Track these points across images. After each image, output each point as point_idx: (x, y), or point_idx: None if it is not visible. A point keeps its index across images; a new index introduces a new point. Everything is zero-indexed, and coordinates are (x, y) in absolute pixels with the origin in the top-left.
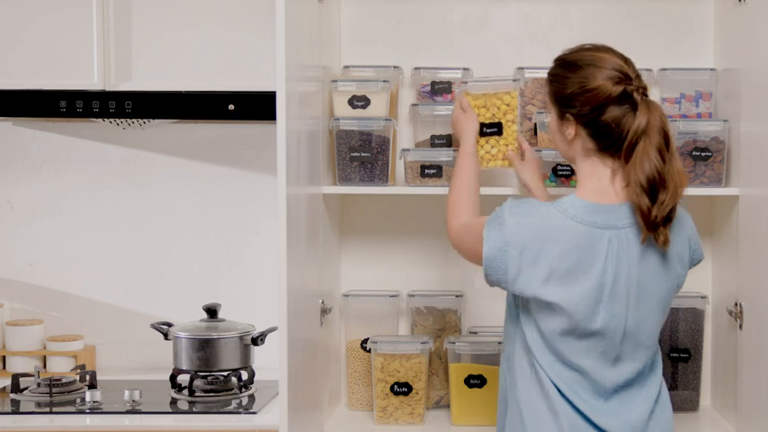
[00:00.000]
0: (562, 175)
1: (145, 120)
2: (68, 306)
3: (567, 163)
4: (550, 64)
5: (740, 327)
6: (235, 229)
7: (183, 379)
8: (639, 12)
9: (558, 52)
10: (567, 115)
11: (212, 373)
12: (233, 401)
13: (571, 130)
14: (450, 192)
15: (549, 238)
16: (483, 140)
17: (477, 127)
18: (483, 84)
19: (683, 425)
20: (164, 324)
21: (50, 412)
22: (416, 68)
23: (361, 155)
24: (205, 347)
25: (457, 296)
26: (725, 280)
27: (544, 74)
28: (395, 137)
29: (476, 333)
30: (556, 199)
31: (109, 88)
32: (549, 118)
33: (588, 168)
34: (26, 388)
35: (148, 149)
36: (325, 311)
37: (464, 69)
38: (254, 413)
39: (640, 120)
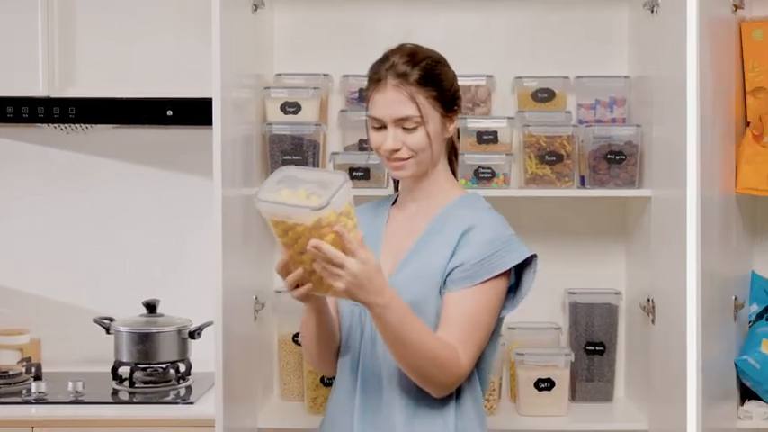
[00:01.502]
0: (483, 177)
1: (87, 125)
2: (16, 302)
3: (489, 165)
4: (472, 71)
5: (652, 321)
6: (173, 229)
7: (124, 371)
8: (557, 22)
9: (482, 61)
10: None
11: (151, 365)
12: (171, 392)
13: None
14: (413, 355)
15: None
16: None
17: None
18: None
19: (599, 415)
20: (106, 319)
21: None
22: (345, 76)
23: (293, 158)
24: (145, 341)
25: None
26: (638, 277)
27: (466, 81)
28: (325, 141)
29: None
30: None
31: (53, 95)
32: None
33: None
34: None
35: (91, 153)
36: (258, 307)
37: None
38: (191, 403)
39: None
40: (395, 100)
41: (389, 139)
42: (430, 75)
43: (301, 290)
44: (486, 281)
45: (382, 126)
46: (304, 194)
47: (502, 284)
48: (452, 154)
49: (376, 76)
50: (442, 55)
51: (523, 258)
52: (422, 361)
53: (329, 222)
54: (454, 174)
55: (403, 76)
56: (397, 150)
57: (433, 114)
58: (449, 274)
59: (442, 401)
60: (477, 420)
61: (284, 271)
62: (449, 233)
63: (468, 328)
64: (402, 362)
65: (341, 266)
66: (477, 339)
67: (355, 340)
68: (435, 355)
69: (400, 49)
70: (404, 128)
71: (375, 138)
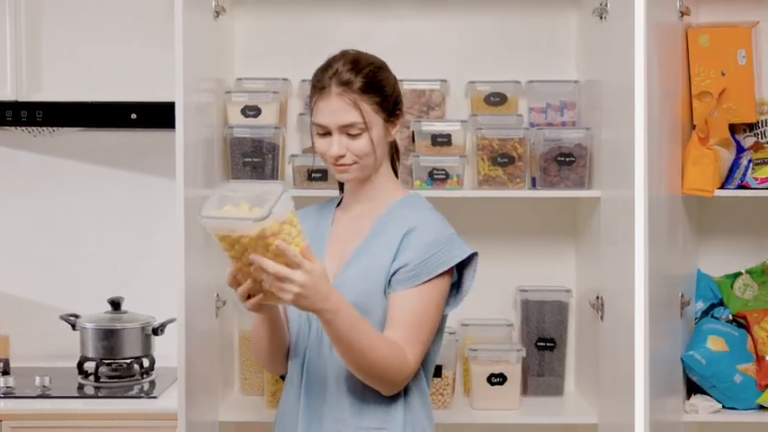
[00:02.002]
0: (437, 178)
1: (54, 128)
2: None
3: (443, 167)
4: (427, 76)
5: (601, 318)
6: (138, 229)
7: (90, 366)
8: (509, 28)
9: (437, 66)
10: None
11: (116, 360)
12: (135, 387)
13: None
14: (363, 358)
15: None
16: None
17: None
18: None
19: (549, 408)
20: (72, 316)
21: None
22: (304, 81)
23: (253, 160)
24: (109, 337)
25: None
26: (587, 275)
27: (421, 85)
28: (284, 143)
29: None
30: None
31: (21, 99)
32: None
33: None
34: None
35: (58, 155)
36: (219, 304)
37: None
38: (154, 397)
39: None
40: (339, 108)
41: (334, 146)
42: (373, 82)
43: (252, 301)
44: (429, 280)
45: (327, 132)
46: (246, 207)
47: (444, 283)
48: (395, 155)
49: (320, 84)
50: (383, 61)
51: (465, 257)
52: (371, 363)
53: (273, 232)
54: (396, 174)
55: (346, 84)
56: (342, 156)
57: (376, 120)
58: (393, 274)
59: (391, 397)
60: (424, 414)
61: (234, 283)
62: (391, 234)
63: (414, 327)
64: (351, 364)
65: (286, 280)
66: (424, 337)
67: (303, 341)
68: (384, 356)
69: (343, 56)
70: (348, 134)
71: (320, 144)
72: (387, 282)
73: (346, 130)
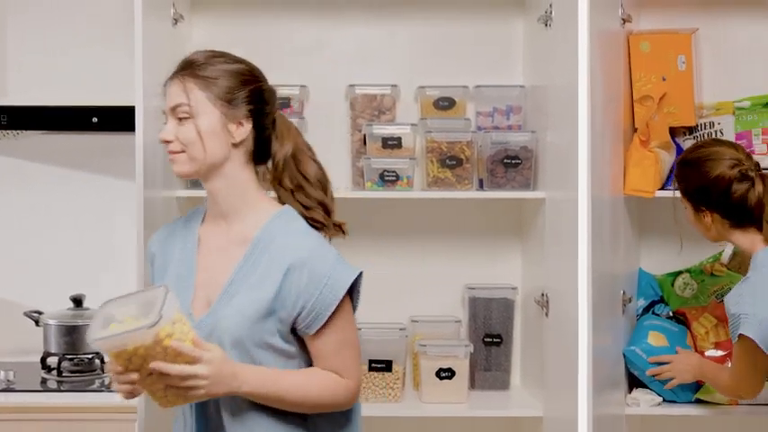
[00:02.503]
0: (388, 180)
1: (18, 131)
2: None
3: (393, 169)
4: (379, 81)
5: (546, 315)
6: (98, 229)
7: (53, 361)
8: (458, 35)
9: (388, 71)
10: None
11: (78, 355)
12: (96, 381)
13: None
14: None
15: None
16: None
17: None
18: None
19: (496, 402)
20: (35, 312)
21: None
22: None
23: None
24: (72, 333)
25: None
26: (533, 273)
27: (372, 90)
28: None
29: None
30: None
31: None
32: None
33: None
34: None
35: (22, 158)
36: None
37: (301, 86)
38: (114, 391)
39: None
40: (173, 91)
41: (164, 130)
42: (213, 70)
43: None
44: (333, 312)
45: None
46: (132, 320)
47: (346, 304)
48: (263, 164)
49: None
50: (252, 65)
51: (352, 280)
52: (313, 403)
53: (168, 333)
54: (282, 186)
55: (184, 68)
56: (169, 142)
57: (209, 110)
58: (296, 318)
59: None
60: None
61: (131, 396)
62: (270, 267)
63: (341, 354)
64: (299, 410)
65: (192, 378)
66: (354, 355)
67: None
68: (322, 392)
69: (206, 50)
70: (178, 119)
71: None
72: (268, 317)
73: (176, 113)
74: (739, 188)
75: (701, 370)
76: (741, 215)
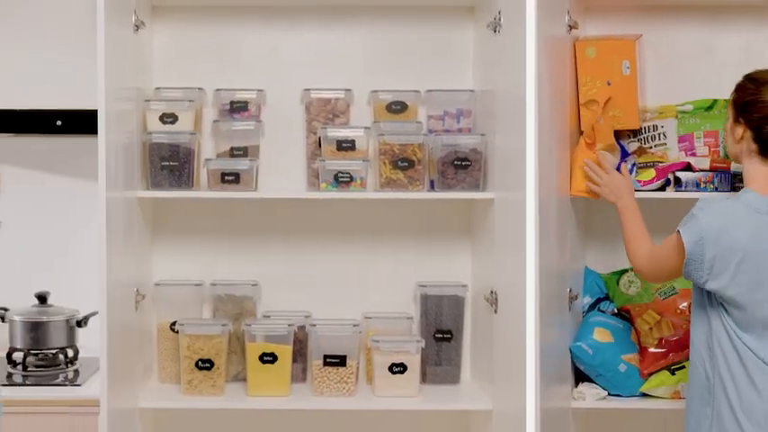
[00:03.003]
0: (342, 181)
1: None
2: None
3: (347, 170)
4: (333, 85)
5: (495, 311)
6: (63, 229)
7: (18, 356)
8: (410, 41)
9: (341, 76)
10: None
11: (42, 351)
12: (60, 375)
13: (740, 131)
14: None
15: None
16: None
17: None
18: None
19: (447, 395)
20: (1, 309)
21: None
22: (218, 90)
23: (170, 164)
24: (36, 329)
25: (253, 285)
26: (482, 271)
27: (327, 94)
28: (199, 148)
29: (269, 317)
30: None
31: None
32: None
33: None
34: None
35: None
36: (139, 298)
37: (258, 90)
38: (78, 385)
39: None
40: None
41: None
42: None
43: None
44: None
45: None
46: None
47: None
48: None
49: None
50: None
51: None
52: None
53: None
54: None
55: None
56: None
57: None
58: None
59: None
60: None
61: None
62: None
63: None
64: None
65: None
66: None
67: None
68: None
69: None
70: None
71: None
72: None
73: None
74: None
75: (621, 202)
76: (766, 146)
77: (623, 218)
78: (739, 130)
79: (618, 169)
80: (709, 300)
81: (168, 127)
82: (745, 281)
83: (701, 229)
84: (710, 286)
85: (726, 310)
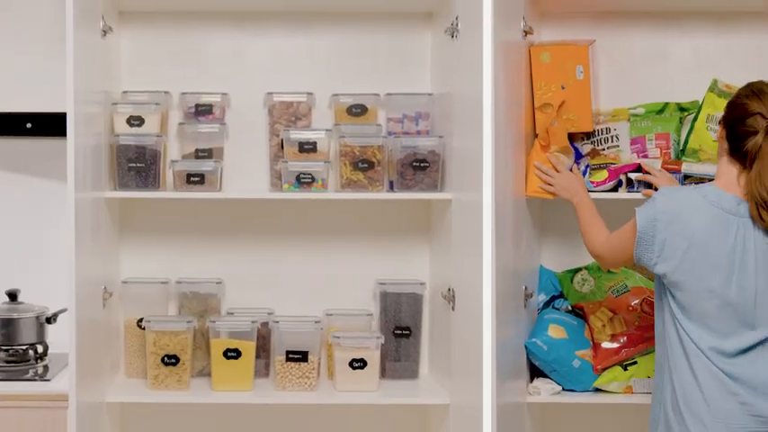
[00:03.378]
0: (304, 182)
1: None
2: None
3: (309, 171)
4: (295, 89)
5: (452, 308)
6: (33, 228)
7: None
8: (370, 46)
9: (303, 80)
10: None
11: (13, 346)
12: (30, 370)
13: (720, 130)
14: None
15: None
16: None
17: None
18: None
19: (406, 390)
20: None
21: None
22: (183, 93)
23: (137, 165)
24: (7, 325)
25: (217, 283)
26: (440, 269)
27: (289, 98)
28: (165, 150)
29: (232, 314)
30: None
31: None
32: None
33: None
34: None
35: None
36: (107, 296)
37: (223, 94)
38: (48, 380)
39: (758, 141)
40: None
41: None
42: None
43: None
44: None
45: None
46: None
47: None
48: None
49: None
50: None
51: None
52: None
53: None
54: None
55: None
56: None
57: None
58: None
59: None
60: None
61: None
62: None
63: None
64: None
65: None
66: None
67: None
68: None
69: None
70: None
71: None
72: None
73: None
74: (750, 125)
75: (576, 198)
76: (736, 146)
77: (579, 212)
78: (720, 130)
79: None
80: (663, 289)
81: (135, 129)
82: (692, 269)
83: (656, 211)
84: (659, 269)
85: (673, 297)
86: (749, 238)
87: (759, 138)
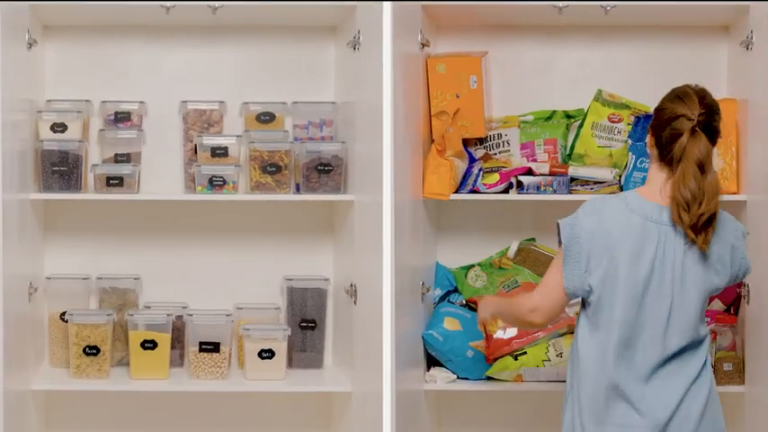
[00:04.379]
0: (216, 184)
1: None
2: None
3: (221, 175)
4: (208, 98)
5: (354, 303)
6: None
7: None
8: (277, 57)
9: (215, 89)
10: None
11: None
12: None
13: (648, 138)
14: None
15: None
16: None
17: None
18: None
19: (311, 379)
20: None
21: None
22: (104, 102)
23: (61, 169)
24: None
25: (135, 279)
26: (343, 266)
27: (202, 106)
28: (87, 155)
29: (149, 307)
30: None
31: None
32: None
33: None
34: None
35: None
36: (32, 291)
37: (140, 102)
38: None
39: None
40: None
41: None
42: None
43: None
44: None
45: None
46: None
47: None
48: None
49: None
50: None
51: None
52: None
53: None
54: None
55: None
56: None
57: None
58: None
59: None
60: None
61: None
62: None
63: None
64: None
65: None
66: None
67: None
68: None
69: None
70: None
71: None
72: None
73: None
74: (675, 128)
75: (491, 308)
76: (663, 151)
77: (501, 313)
78: (648, 137)
79: (467, 172)
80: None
81: (58, 135)
82: (614, 276)
83: (578, 227)
84: (591, 281)
85: (585, 307)
86: (669, 249)
87: (684, 139)
